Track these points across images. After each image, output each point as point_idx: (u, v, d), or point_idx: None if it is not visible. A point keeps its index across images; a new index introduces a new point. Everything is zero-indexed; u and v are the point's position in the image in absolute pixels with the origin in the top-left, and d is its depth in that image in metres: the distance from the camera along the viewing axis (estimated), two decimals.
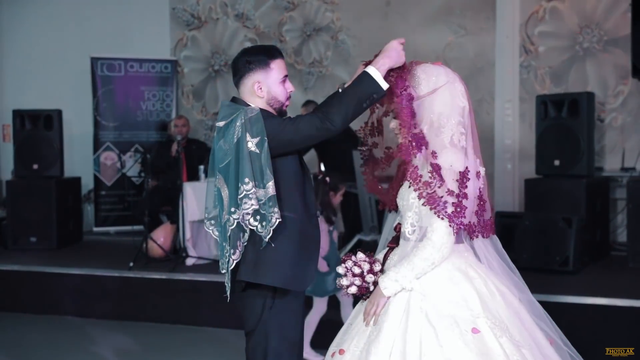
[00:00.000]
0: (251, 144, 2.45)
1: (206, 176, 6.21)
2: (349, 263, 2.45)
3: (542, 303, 4.55)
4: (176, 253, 6.09)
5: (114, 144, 8.24)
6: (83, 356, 4.84)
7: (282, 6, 8.31)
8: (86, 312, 5.75)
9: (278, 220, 2.44)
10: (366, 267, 2.43)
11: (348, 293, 2.44)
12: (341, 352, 2.38)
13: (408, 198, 2.39)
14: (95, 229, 8.17)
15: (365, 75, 2.43)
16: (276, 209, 2.44)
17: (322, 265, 4.34)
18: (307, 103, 7.07)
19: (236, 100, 2.65)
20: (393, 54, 2.44)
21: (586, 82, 6.88)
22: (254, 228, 2.47)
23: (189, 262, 5.92)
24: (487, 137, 7.36)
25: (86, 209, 8.37)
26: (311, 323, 4.41)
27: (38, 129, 7.18)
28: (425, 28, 7.63)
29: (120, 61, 8.27)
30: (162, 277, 5.67)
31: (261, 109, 2.53)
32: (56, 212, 6.99)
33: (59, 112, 7.23)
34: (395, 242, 2.52)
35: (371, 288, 2.41)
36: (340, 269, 2.46)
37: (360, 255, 2.47)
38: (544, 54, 7.10)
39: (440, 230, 2.30)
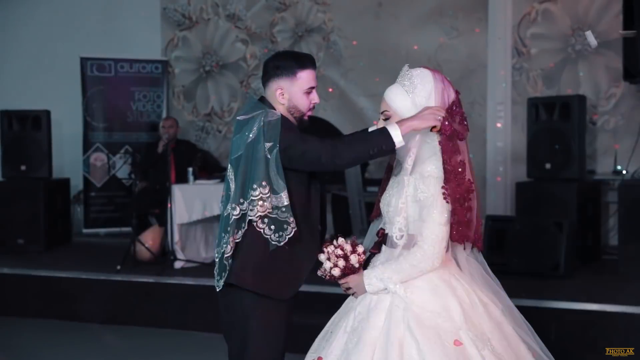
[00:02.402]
0: (265, 148, 2.45)
1: (195, 178, 6.18)
2: (331, 248, 2.42)
3: (533, 308, 4.59)
4: (165, 256, 6.03)
5: (104, 145, 8.18)
6: None
7: (273, 7, 8.26)
8: (73, 315, 5.68)
9: (294, 230, 2.43)
10: (348, 248, 2.41)
11: (332, 275, 2.39)
12: (319, 359, 2.33)
13: (397, 203, 2.36)
14: (85, 231, 8.10)
15: (384, 131, 2.39)
16: (292, 219, 2.43)
17: None
18: None
19: (263, 101, 2.65)
20: (427, 117, 2.36)
21: (578, 84, 6.84)
22: (261, 231, 2.46)
23: (178, 265, 5.87)
24: (479, 140, 7.33)
25: (76, 211, 8.30)
26: None
27: (26, 130, 7.11)
28: (417, 29, 7.59)
29: (110, 61, 8.21)
30: (150, 281, 5.61)
31: (283, 116, 2.53)
32: (44, 213, 6.91)
33: (47, 113, 7.16)
34: (377, 248, 2.48)
35: (356, 266, 2.38)
36: (322, 256, 2.42)
37: (341, 239, 2.44)
38: (536, 56, 7.06)
39: (431, 239, 2.27)
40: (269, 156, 2.44)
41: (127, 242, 6.13)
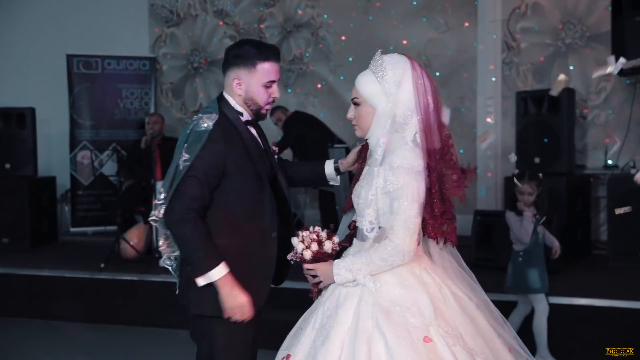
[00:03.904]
0: (182, 157, 2.39)
1: None
2: (306, 232, 2.34)
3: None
4: (150, 254, 5.96)
5: (91, 143, 8.09)
6: None
7: (261, 2, 8.19)
8: (56, 314, 5.60)
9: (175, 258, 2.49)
10: (324, 235, 2.33)
11: (303, 257, 2.30)
12: (288, 357, 2.27)
13: (366, 195, 2.28)
14: (72, 230, 8.01)
15: (208, 266, 2.36)
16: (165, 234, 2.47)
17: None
18: (276, 109, 6.95)
19: (220, 99, 2.55)
20: (236, 310, 2.39)
21: (569, 78, 6.78)
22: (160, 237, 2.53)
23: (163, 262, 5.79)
24: (468, 134, 7.27)
25: (63, 209, 8.21)
26: (541, 327, 4.19)
27: (10, 127, 7.03)
28: (406, 24, 7.52)
29: (97, 58, 8.12)
30: (134, 279, 5.53)
31: (213, 130, 2.40)
32: (29, 212, 6.84)
33: (32, 110, 7.08)
34: (348, 240, 2.41)
35: (329, 252, 2.30)
36: (295, 239, 2.35)
37: (317, 227, 2.37)
38: (526, 50, 7.00)
39: (402, 232, 2.19)
40: (180, 167, 2.38)
41: (112, 240, 6.05)
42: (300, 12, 8.02)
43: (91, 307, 5.59)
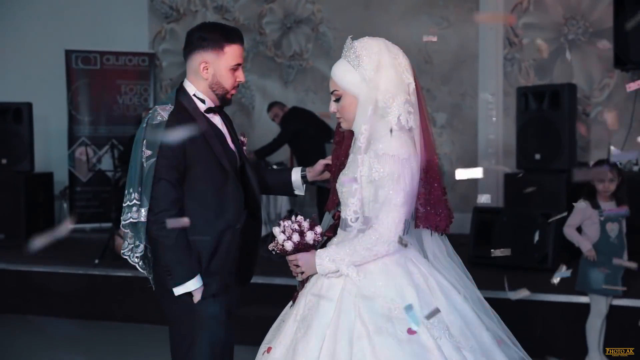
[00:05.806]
0: (143, 154, 2.32)
1: None
2: (288, 222, 2.26)
3: (519, 302, 4.42)
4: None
5: (90, 139, 8.04)
6: (46, 358, 4.65)
7: None
8: (50, 311, 5.55)
9: (142, 253, 2.41)
10: (306, 225, 2.24)
11: (284, 248, 2.22)
12: (269, 350, 2.19)
13: (351, 184, 2.20)
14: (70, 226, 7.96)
15: (182, 274, 2.36)
16: (144, 237, 2.36)
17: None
18: (273, 105, 6.89)
19: (178, 91, 2.46)
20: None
21: (571, 75, 6.70)
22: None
23: None
24: (470, 131, 7.19)
25: (62, 206, 8.16)
26: (591, 328, 4.01)
27: (7, 123, 6.98)
28: (407, 19, 7.45)
29: (96, 54, 8.08)
30: (128, 275, 5.47)
31: (169, 119, 2.33)
32: (25, 208, 6.78)
33: (28, 105, 7.03)
34: (332, 231, 2.32)
35: (311, 243, 2.22)
36: (277, 229, 2.26)
37: (300, 217, 2.29)
38: (528, 46, 6.91)
39: (387, 222, 2.11)
40: (145, 164, 2.31)
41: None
42: (300, 8, 7.95)
43: (85, 303, 5.53)
